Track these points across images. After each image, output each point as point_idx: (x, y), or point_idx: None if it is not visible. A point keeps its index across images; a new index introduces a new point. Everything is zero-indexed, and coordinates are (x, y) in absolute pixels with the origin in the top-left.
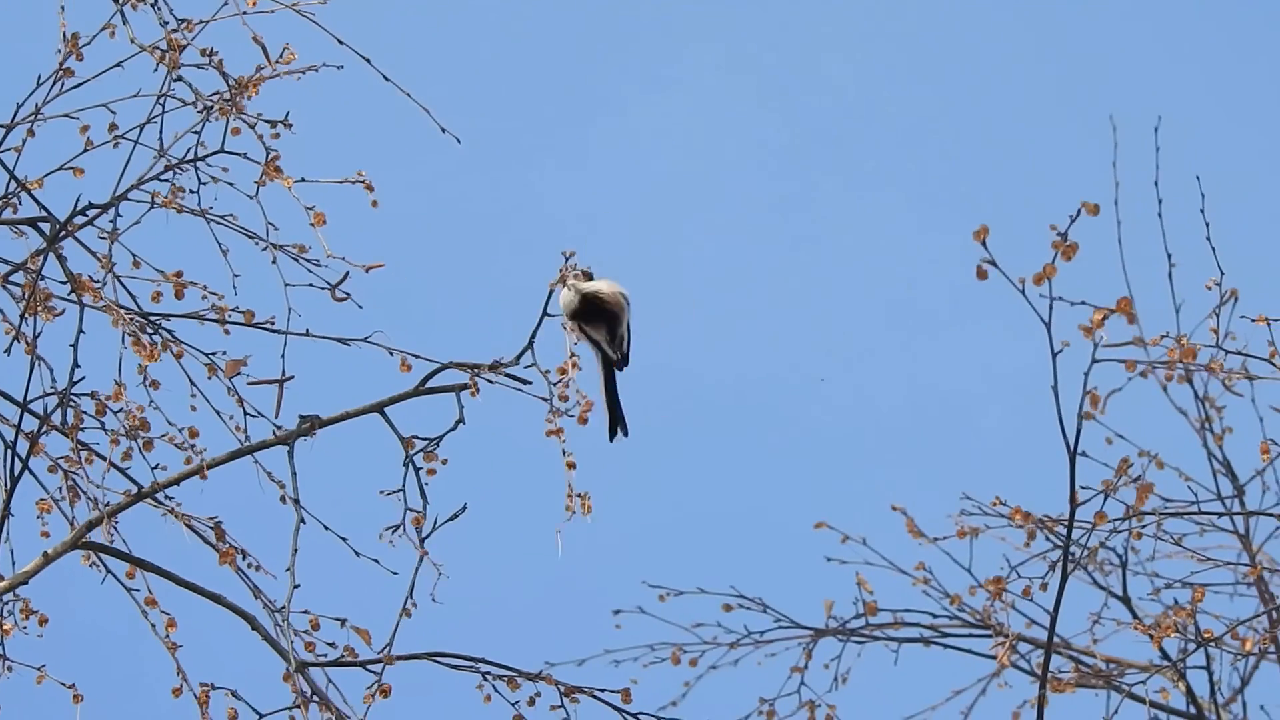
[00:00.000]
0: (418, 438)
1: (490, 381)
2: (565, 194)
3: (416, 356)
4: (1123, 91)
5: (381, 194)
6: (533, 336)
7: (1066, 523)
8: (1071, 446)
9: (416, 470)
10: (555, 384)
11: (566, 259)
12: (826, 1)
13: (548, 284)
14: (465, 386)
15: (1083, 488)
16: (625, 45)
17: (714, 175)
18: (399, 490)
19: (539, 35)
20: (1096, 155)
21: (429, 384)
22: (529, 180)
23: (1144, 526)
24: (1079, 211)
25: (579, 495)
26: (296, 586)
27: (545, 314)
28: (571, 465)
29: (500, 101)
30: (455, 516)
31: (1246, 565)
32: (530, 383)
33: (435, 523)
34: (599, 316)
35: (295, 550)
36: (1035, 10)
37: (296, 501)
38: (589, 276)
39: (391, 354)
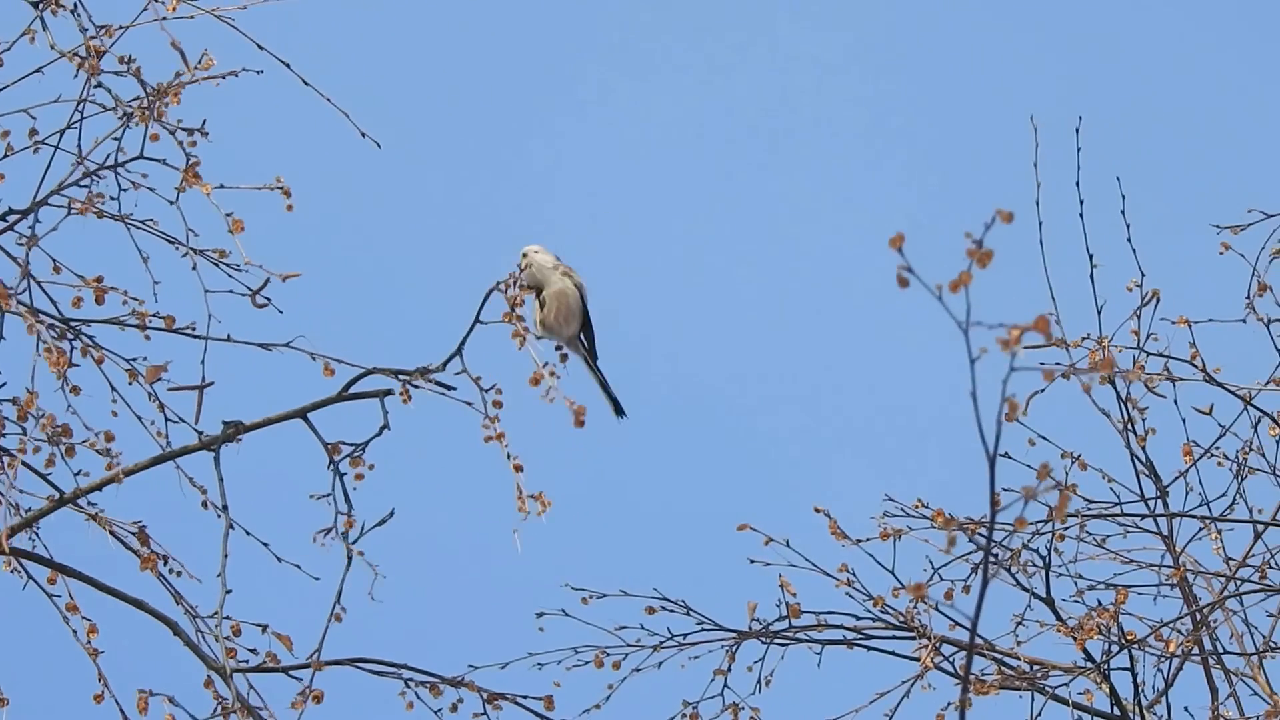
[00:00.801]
0: (344, 443)
1: (416, 387)
2: (501, 198)
3: (339, 361)
4: (1043, 92)
5: (305, 199)
6: (462, 342)
7: (988, 525)
8: (991, 451)
9: (341, 476)
10: (488, 390)
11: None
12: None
13: (485, 290)
14: (389, 392)
15: (1005, 490)
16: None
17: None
18: (328, 495)
19: (477, 35)
20: (1019, 155)
21: (352, 390)
22: (469, 183)
23: (1067, 529)
24: (993, 219)
25: (532, 496)
26: (229, 592)
27: (478, 320)
28: (518, 468)
29: (436, 97)
30: (383, 522)
31: (1170, 567)
32: (456, 389)
33: (363, 528)
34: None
35: (226, 555)
36: (960, 13)
37: (224, 507)
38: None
39: (314, 359)
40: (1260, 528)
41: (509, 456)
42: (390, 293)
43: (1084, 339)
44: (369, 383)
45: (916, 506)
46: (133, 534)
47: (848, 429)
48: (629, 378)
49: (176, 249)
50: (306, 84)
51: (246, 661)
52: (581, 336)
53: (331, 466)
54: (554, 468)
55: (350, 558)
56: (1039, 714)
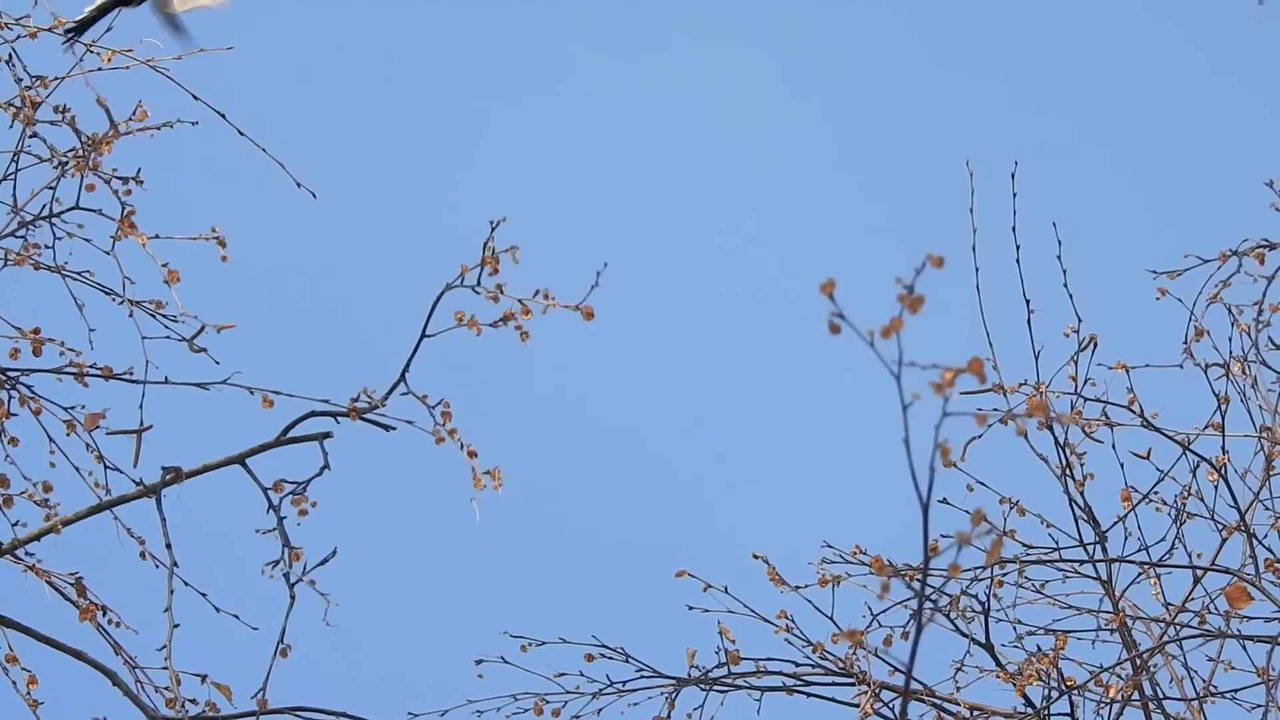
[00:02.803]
0: (285, 481)
1: (356, 421)
2: (437, 239)
3: (278, 393)
4: (979, 135)
5: (240, 249)
6: (404, 371)
7: (923, 571)
8: (924, 498)
9: (281, 518)
10: (435, 407)
11: None
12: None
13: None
14: (328, 434)
15: (942, 536)
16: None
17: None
18: (272, 530)
19: (407, 67)
20: (954, 199)
21: (290, 434)
22: (405, 227)
23: (1005, 574)
24: (924, 264)
25: (487, 472)
26: (176, 626)
27: (423, 336)
28: (472, 454)
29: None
30: (325, 561)
31: (1109, 612)
32: (394, 429)
33: (305, 566)
34: None
35: (171, 591)
36: (895, 50)
37: (168, 545)
38: None
39: (252, 393)
40: (1199, 572)
41: (462, 446)
42: (329, 338)
43: (1021, 384)
44: (306, 425)
45: (854, 553)
46: (71, 584)
47: (785, 475)
48: (563, 422)
49: (113, 299)
50: (241, 134)
51: (186, 711)
52: None
53: (272, 510)
54: (497, 510)
55: (294, 595)
56: None
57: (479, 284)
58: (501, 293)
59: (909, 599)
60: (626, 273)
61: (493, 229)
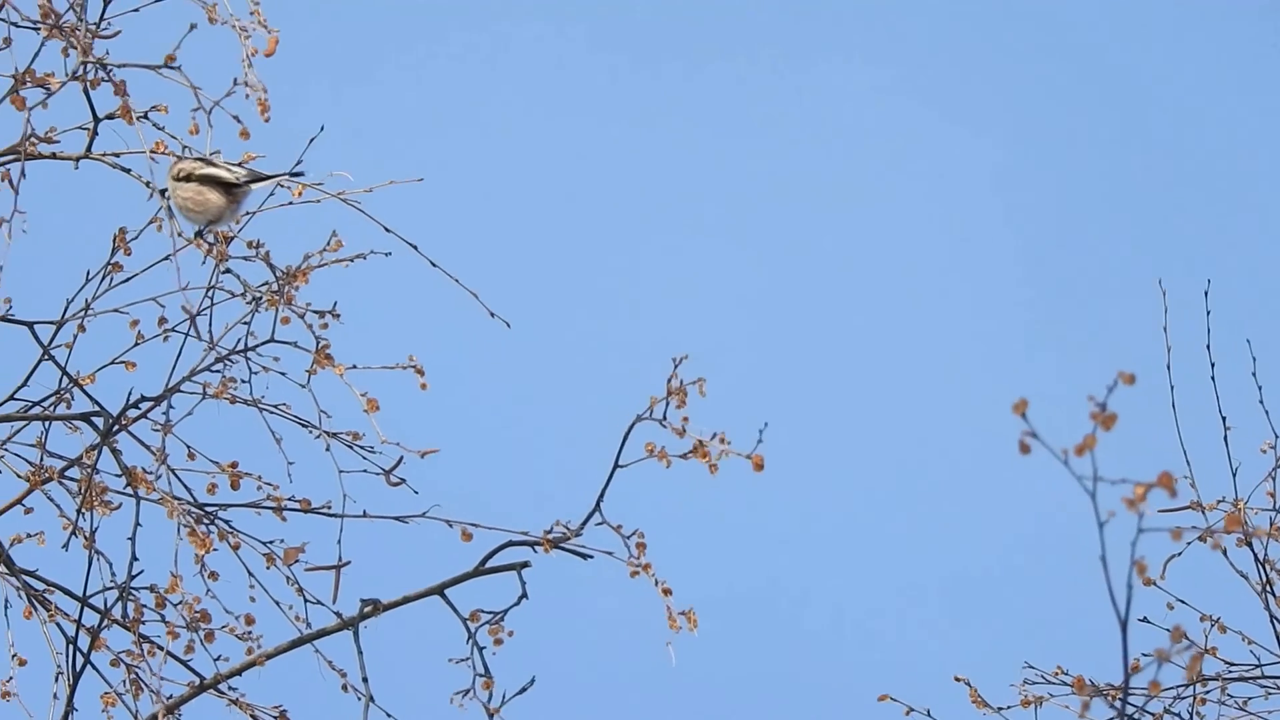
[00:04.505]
0: (482, 611)
1: (551, 553)
2: (633, 354)
3: (476, 526)
4: (1170, 254)
5: (438, 376)
6: (599, 500)
7: (1123, 690)
8: (1123, 617)
9: (480, 649)
10: (629, 537)
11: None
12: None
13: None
14: (526, 564)
15: (1142, 654)
16: None
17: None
18: (466, 659)
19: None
20: (1147, 319)
21: (488, 564)
22: (596, 348)
23: (1208, 691)
24: (1115, 382)
25: (682, 613)
26: None
27: (616, 466)
28: (667, 591)
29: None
30: (523, 690)
31: None
32: (591, 557)
33: (504, 696)
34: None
35: None
36: (1083, 172)
37: (365, 679)
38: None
39: (451, 525)
40: None
41: (657, 583)
42: (527, 463)
43: (1219, 501)
44: (504, 555)
45: (1056, 673)
46: (274, 718)
47: (983, 598)
48: (749, 551)
49: (310, 431)
50: (434, 265)
51: None
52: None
53: (470, 640)
54: (688, 652)
55: None
56: None
57: (665, 418)
58: (686, 426)
59: (1111, 718)
60: (803, 407)
61: (675, 365)
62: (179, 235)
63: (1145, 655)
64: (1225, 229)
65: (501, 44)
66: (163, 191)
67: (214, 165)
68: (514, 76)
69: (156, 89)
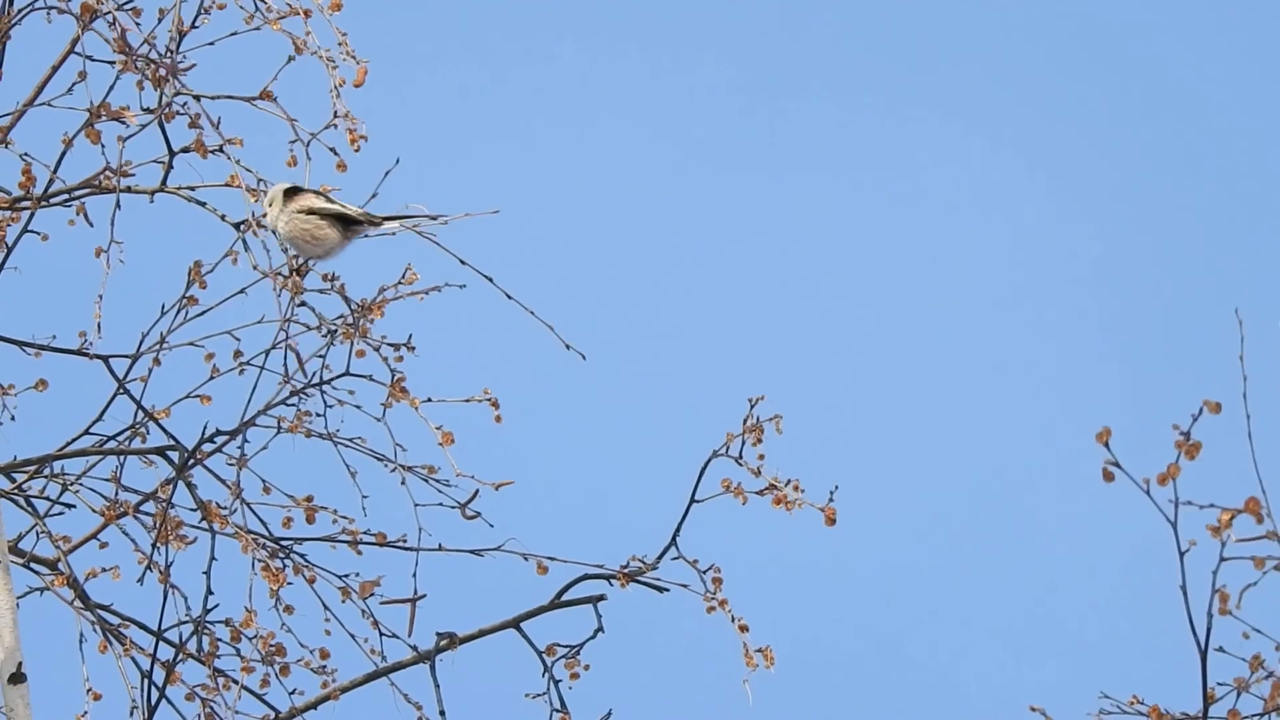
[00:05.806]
0: (558, 645)
1: (626, 586)
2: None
3: (552, 559)
4: (1246, 281)
5: (510, 408)
6: (676, 533)
7: None
8: (1202, 645)
9: (556, 683)
10: (705, 572)
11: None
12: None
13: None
14: (602, 597)
15: (1219, 684)
16: None
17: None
18: (543, 694)
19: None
20: (1224, 349)
21: (564, 597)
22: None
23: None
24: (1201, 410)
25: (759, 650)
26: None
27: (692, 501)
28: (744, 628)
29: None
30: None
31: None
32: (668, 590)
33: None
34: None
35: None
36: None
37: (442, 713)
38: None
39: (526, 559)
40: None
41: (733, 619)
42: (602, 496)
43: None
44: (580, 588)
45: (1132, 702)
46: None
47: (1059, 626)
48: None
49: (385, 465)
50: (510, 297)
51: None
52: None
53: (546, 674)
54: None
55: None
56: None
57: (741, 455)
58: (762, 464)
59: None
60: (881, 442)
61: (751, 405)
62: (255, 268)
63: (1222, 684)
64: None
65: (580, 77)
66: (260, 219)
67: (336, 202)
68: (595, 108)
69: (240, 120)
